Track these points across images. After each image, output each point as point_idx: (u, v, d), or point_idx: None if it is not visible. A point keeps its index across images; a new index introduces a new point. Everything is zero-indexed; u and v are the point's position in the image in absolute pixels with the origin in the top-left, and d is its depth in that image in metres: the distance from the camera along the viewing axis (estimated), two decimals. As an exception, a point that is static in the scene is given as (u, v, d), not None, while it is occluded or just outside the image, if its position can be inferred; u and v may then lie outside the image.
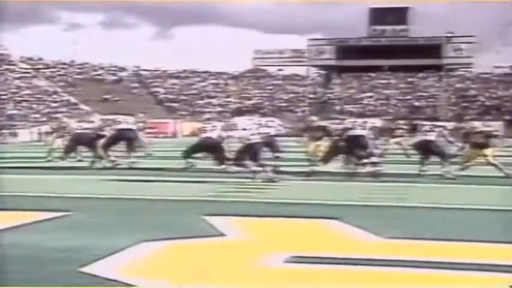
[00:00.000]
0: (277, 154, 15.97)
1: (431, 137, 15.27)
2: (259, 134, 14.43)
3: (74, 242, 6.62)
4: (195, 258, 5.95)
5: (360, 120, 15.32)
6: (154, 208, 9.81)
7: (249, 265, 5.63)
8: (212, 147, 16.30)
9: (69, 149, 18.53)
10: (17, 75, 74.74)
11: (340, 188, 12.83)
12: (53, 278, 5.16)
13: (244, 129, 14.30)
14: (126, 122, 18.67)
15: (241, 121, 14.16)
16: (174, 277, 5.19)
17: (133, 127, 18.80)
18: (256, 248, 6.41)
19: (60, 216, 8.49)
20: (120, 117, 19.10)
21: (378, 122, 15.56)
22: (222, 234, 7.12)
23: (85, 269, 5.34)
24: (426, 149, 15.25)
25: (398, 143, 22.37)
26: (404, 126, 23.64)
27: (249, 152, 14.10)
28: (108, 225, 7.95)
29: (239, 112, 16.17)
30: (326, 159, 15.48)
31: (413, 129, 16.82)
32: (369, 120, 15.46)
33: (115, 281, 5.02)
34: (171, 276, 5.22)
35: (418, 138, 15.57)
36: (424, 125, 16.14)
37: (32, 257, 5.98)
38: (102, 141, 17.97)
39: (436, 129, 15.64)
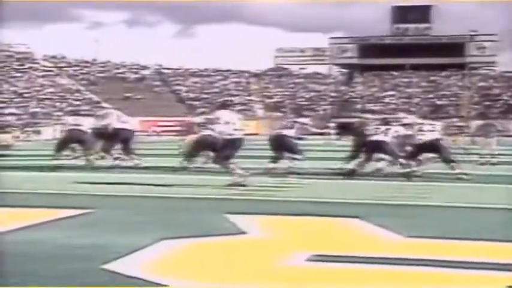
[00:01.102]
0: (296, 156, 15.47)
1: (438, 135, 14.84)
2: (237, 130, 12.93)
3: (95, 240, 6.65)
4: (216, 257, 5.95)
5: (383, 127, 14.85)
6: (178, 206, 9.82)
7: (270, 263, 5.62)
8: (213, 145, 15.05)
9: (60, 147, 17.46)
10: (40, 74, 75.32)
11: (361, 187, 12.79)
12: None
13: (228, 122, 12.76)
14: (124, 121, 17.96)
15: (225, 114, 13.02)
16: (195, 275, 5.19)
17: (130, 127, 18.05)
18: (278, 246, 6.40)
19: (84, 213, 8.54)
20: (122, 116, 18.35)
21: (401, 130, 15.03)
22: (243, 233, 7.12)
23: (107, 266, 5.36)
24: (433, 149, 14.87)
25: (454, 141, 23.05)
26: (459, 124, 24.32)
27: (228, 148, 12.78)
28: (132, 224, 7.97)
29: (224, 105, 15.20)
30: (354, 156, 15.40)
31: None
32: (393, 127, 14.91)
33: (137, 278, 5.02)
34: (192, 274, 5.22)
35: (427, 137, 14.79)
36: (428, 124, 15.39)
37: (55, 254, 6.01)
38: (102, 142, 17.47)
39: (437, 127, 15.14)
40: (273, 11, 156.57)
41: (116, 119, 17.76)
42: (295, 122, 16.30)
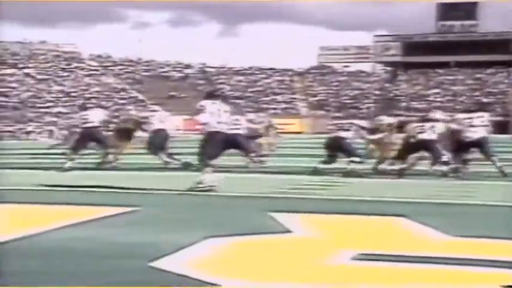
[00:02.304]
0: (353, 158, 15.25)
1: (483, 132, 14.47)
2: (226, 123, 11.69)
3: (141, 238, 6.74)
4: (261, 255, 5.99)
5: (427, 125, 14.56)
6: (222, 204, 9.89)
7: (315, 262, 5.63)
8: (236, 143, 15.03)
9: (77, 147, 16.23)
10: (87, 73, 76.34)
11: (406, 185, 12.73)
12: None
13: (212, 113, 11.33)
14: (160, 120, 17.24)
15: (210, 104, 11.53)
16: (241, 273, 5.22)
17: (165, 127, 17.09)
18: (323, 245, 6.41)
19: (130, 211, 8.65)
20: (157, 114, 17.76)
21: (441, 127, 14.68)
22: (288, 231, 7.14)
23: (154, 264, 5.42)
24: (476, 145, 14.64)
25: None
26: None
27: (208, 145, 11.45)
28: (177, 221, 8.06)
29: (211, 95, 13.73)
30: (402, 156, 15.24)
31: None
32: (436, 124, 14.54)
33: (185, 276, 5.07)
34: (238, 272, 5.26)
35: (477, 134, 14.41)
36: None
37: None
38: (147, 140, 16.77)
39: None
40: (317, 10, 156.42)
41: (158, 120, 17.23)
42: (352, 123, 16.21)
